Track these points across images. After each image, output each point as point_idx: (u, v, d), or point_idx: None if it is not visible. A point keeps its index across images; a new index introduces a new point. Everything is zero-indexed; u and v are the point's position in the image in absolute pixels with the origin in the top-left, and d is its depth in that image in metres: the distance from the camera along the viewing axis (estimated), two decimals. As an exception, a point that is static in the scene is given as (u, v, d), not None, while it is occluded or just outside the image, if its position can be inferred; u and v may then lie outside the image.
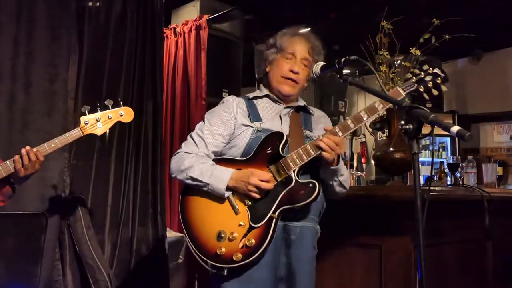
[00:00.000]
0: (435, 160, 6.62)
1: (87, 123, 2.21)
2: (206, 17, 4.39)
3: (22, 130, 2.84)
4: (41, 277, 2.76)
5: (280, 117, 2.02)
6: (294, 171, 1.85)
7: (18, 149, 2.62)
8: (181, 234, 3.74)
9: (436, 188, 2.66)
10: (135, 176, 3.35)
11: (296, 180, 1.85)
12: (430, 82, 1.92)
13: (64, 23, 3.05)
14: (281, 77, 2.01)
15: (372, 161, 3.00)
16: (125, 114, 2.29)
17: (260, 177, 1.80)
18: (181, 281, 3.65)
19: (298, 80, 2.02)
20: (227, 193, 1.85)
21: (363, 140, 3.72)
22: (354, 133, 5.15)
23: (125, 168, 3.29)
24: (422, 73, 1.94)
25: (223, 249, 1.80)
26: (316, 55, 2.05)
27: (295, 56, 2.01)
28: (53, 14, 3.00)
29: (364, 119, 1.89)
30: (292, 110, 2.06)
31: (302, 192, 1.83)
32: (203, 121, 2.04)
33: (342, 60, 1.72)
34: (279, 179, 1.85)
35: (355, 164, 3.67)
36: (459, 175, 3.28)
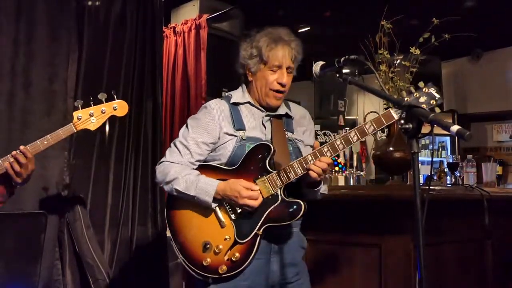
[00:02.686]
0: (434, 159, 6.62)
1: (80, 118, 2.17)
2: (205, 16, 4.39)
3: (22, 130, 2.84)
4: (40, 276, 2.76)
5: (263, 124, 1.99)
6: (280, 189, 1.84)
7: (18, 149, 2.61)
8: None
9: (436, 188, 2.66)
10: (135, 175, 3.35)
11: (282, 198, 1.84)
12: (424, 104, 1.87)
13: (64, 22, 3.05)
14: (269, 90, 1.96)
15: (372, 161, 3.00)
16: (119, 107, 2.24)
17: (251, 197, 1.79)
18: (180, 281, 3.65)
19: (285, 91, 1.98)
20: (214, 205, 1.85)
21: (362, 139, 3.71)
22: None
23: (124, 168, 3.29)
24: (417, 93, 1.88)
25: (209, 260, 1.83)
26: (299, 55, 2.00)
27: (280, 67, 1.95)
28: (52, 14, 2.99)
29: (354, 140, 1.86)
30: (273, 118, 2.02)
31: (288, 211, 1.83)
32: (186, 127, 2.00)
33: (342, 59, 1.71)
34: (265, 195, 1.84)
35: (354, 164, 3.66)
36: (458, 174, 3.28)
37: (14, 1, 2.87)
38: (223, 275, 1.81)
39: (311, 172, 1.79)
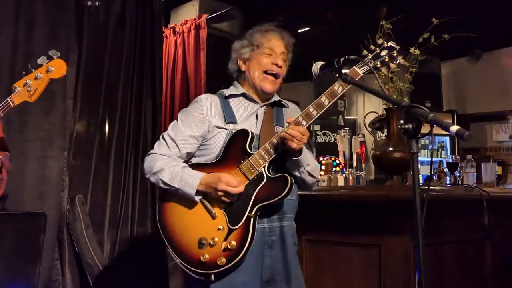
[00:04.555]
0: (434, 159, 6.62)
1: (16, 91, 1.96)
2: (205, 16, 4.39)
3: (21, 130, 2.84)
4: (40, 276, 2.76)
5: (257, 116, 2.01)
6: (264, 167, 1.85)
7: (17, 149, 2.61)
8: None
9: (435, 188, 2.66)
10: (134, 175, 3.35)
11: (267, 176, 1.85)
12: (387, 57, 1.93)
13: (63, 22, 3.05)
14: (263, 73, 1.99)
15: (371, 161, 3.00)
16: (55, 68, 1.97)
17: (228, 183, 1.78)
18: (180, 281, 3.65)
19: (280, 74, 2.01)
20: (197, 198, 1.84)
21: (362, 139, 3.72)
22: (353, 133, 5.15)
23: (124, 168, 3.29)
24: (378, 48, 1.95)
25: (207, 256, 1.79)
26: (290, 52, 2.05)
27: (274, 51, 1.99)
28: (52, 13, 2.99)
29: (326, 104, 1.89)
30: (266, 107, 2.04)
31: (275, 187, 1.83)
32: (177, 120, 2.00)
33: (341, 59, 1.71)
34: (250, 177, 1.84)
35: (354, 164, 3.66)
36: (458, 174, 3.28)
37: (14, 1, 2.87)
38: (223, 267, 1.78)
39: (286, 141, 1.80)
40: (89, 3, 3.21)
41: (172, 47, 4.60)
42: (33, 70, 1.96)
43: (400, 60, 2.01)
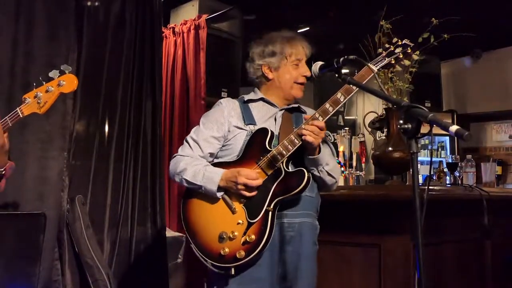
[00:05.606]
0: (434, 159, 6.63)
1: (26, 102, 1.96)
2: (205, 16, 4.39)
3: (21, 131, 2.84)
4: (40, 277, 2.76)
5: (275, 119, 2.06)
6: (282, 162, 1.90)
7: (17, 150, 2.61)
8: (180, 234, 3.74)
9: (435, 188, 2.67)
10: (134, 175, 3.34)
11: (285, 170, 1.90)
12: (401, 54, 1.97)
13: (63, 22, 3.04)
14: (294, 83, 2.06)
15: (371, 161, 3.01)
16: (67, 83, 1.98)
17: (247, 176, 1.85)
18: (180, 281, 3.65)
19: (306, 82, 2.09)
20: (219, 194, 1.91)
21: (362, 139, 3.72)
22: (353, 133, 5.15)
23: (124, 168, 3.29)
24: (392, 46, 1.98)
25: (226, 250, 1.85)
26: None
27: (300, 61, 2.07)
28: (52, 13, 2.99)
29: (341, 100, 1.93)
30: (285, 111, 2.10)
31: (293, 181, 1.88)
32: (199, 124, 2.09)
33: (341, 59, 1.72)
34: (269, 173, 1.90)
35: (354, 164, 3.67)
36: (458, 174, 3.29)
37: (14, 1, 2.87)
38: (242, 260, 1.82)
39: (304, 137, 1.86)
40: (89, 3, 3.21)
41: (172, 47, 4.60)
42: (44, 83, 1.97)
43: (414, 56, 2.06)
